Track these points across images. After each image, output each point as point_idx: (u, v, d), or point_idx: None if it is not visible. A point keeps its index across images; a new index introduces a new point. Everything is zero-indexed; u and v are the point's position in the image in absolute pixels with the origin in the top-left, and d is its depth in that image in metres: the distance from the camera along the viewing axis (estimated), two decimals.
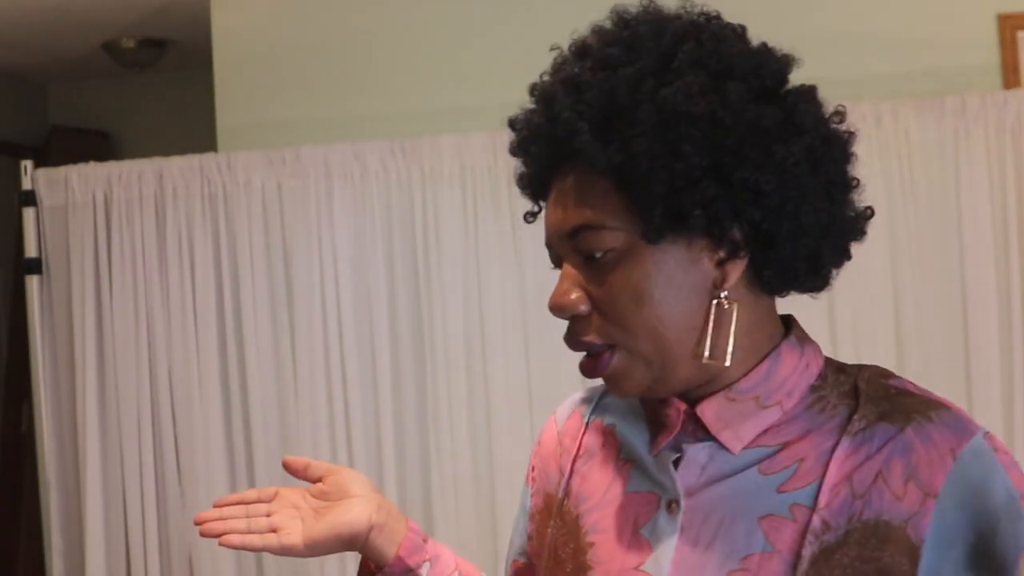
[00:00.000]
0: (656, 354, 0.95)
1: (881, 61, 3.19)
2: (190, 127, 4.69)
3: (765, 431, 0.97)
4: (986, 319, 2.81)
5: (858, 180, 1.00)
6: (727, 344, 0.95)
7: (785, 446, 0.96)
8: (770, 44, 1.00)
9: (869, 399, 0.96)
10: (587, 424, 1.12)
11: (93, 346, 3.04)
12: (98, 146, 5.39)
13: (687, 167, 0.90)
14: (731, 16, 1.00)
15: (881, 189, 2.85)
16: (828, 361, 1.02)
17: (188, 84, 5.03)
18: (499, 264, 2.92)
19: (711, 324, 0.95)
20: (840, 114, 1.00)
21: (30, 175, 3.10)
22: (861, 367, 1.01)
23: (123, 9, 4.19)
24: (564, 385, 2.88)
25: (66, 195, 3.07)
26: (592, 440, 1.10)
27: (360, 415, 2.96)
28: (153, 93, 5.43)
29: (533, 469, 1.16)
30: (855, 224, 1.00)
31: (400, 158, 2.97)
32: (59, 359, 3.10)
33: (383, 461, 2.95)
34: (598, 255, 0.95)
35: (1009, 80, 3.15)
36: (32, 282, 3.09)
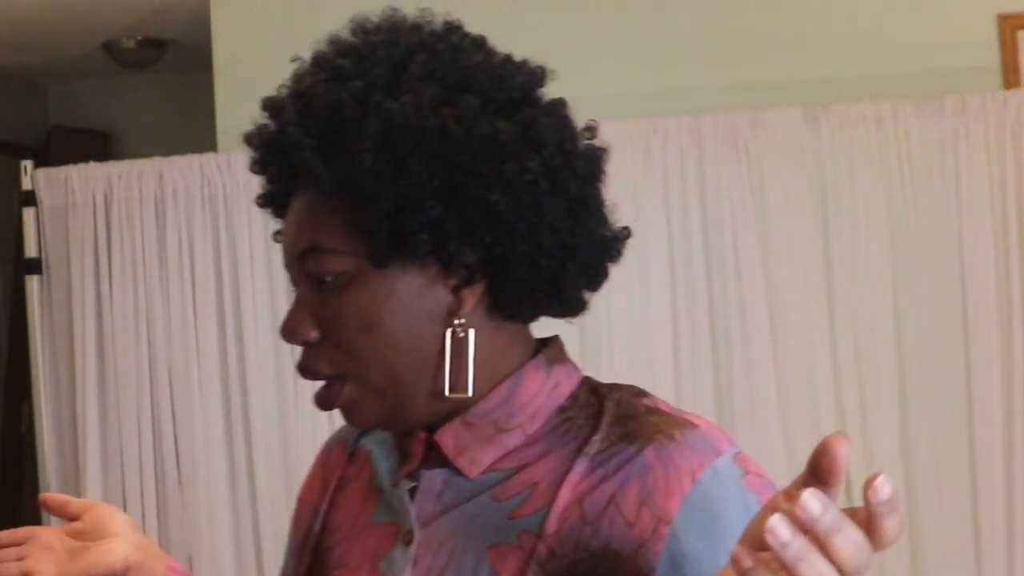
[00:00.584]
0: (389, 385, 0.90)
1: (881, 61, 3.19)
2: (190, 127, 4.69)
3: (505, 455, 0.91)
4: (986, 319, 2.81)
5: (603, 200, 0.94)
6: (467, 374, 0.89)
7: (521, 470, 0.91)
8: (517, 56, 0.95)
9: (615, 419, 0.90)
10: (351, 451, 1.06)
11: (93, 346, 3.04)
12: (98, 146, 5.39)
13: (413, 186, 0.85)
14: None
15: (881, 189, 2.85)
16: (585, 381, 0.96)
17: (188, 84, 5.03)
18: None
19: (448, 355, 0.89)
20: (591, 129, 0.95)
21: (30, 175, 3.10)
22: (616, 387, 0.95)
23: (123, 9, 4.19)
24: None
25: (66, 195, 3.07)
26: (352, 468, 1.05)
27: None
28: (153, 93, 5.44)
29: (299, 504, 1.10)
30: (609, 244, 0.94)
31: None
32: (59, 359, 3.10)
33: None
34: (328, 279, 0.89)
35: (1009, 80, 3.15)
36: (32, 282, 3.09)
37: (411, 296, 0.89)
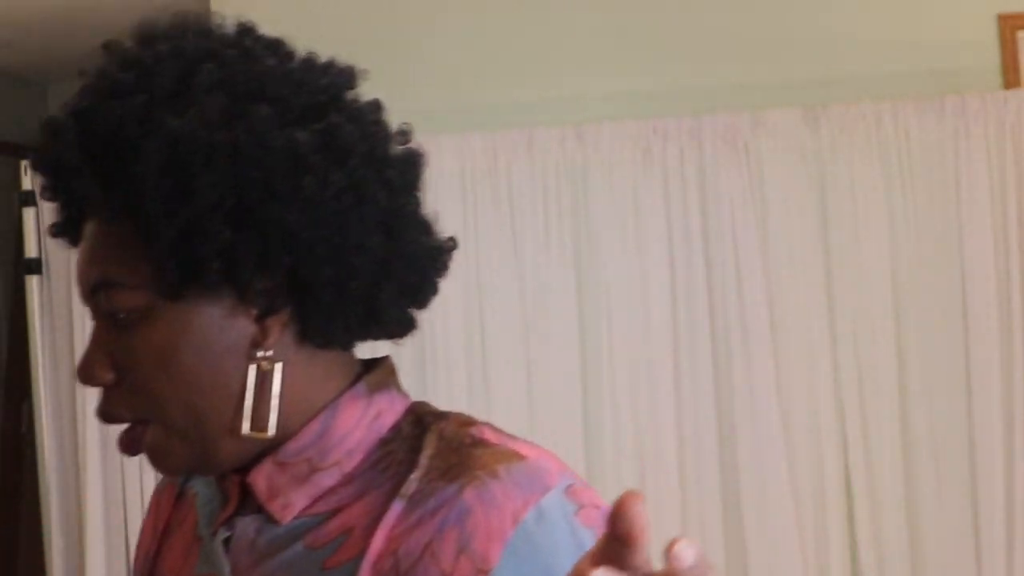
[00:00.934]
0: (194, 429, 0.83)
1: (881, 61, 3.19)
2: None
3: (320, 497, 0.84)
4: (986, 319, 2.82)
5: (417, 208, 0.87)
6: (269, 412, 0.82)
7: (337, 513, 0.83)
8: (330, 57, 0.88)
9: (436, 453, 0.82)
10: (179, 493, 0.98)
11: None
12: None
13: (200, 209, 0.78)
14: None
15: (881, 189, 2.86)
16: (412, 410, 0.88)
17: None
18: (499, 263, 2.92)
19: (249, 391, 0.82)
20: (405, 133, 0.88)
21: (30, 175, 3.10)
22: (443, 416, 0.87)
23: (123, 9, 4.19)
24: (563, 385, 2.88)
25: None
26: (179, 512, 0.97)
27: None
28: None
29: (137, 549, 1.03)
30: (431, 257, 0.87)
31: None
32: (59, 359, 3.10)
33: None
34: (121, 315, 0.82)
35: (1009, 80, 3.15)
36: (32, 282, 3.09)
37: (210, 330, 0.81)
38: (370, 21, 3.40)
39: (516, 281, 2.92)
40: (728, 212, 2.87)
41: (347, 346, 0.87)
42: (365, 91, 0.85)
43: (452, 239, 0.90)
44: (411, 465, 0.82)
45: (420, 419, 0.87)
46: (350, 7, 3.40)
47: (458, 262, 3.27)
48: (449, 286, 3.23)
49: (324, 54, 0.90)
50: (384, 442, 0.85)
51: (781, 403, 2.84)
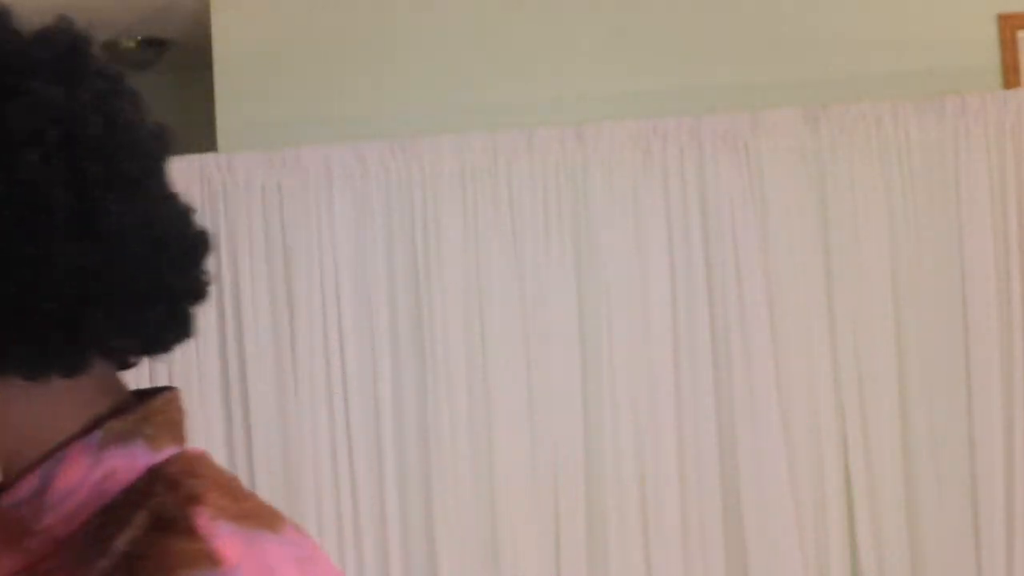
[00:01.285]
0: None
1: (881, 61, 3.19)
2: (190, 127, 4.68)
3: (29, 565, 0.72)
4: (986, 319, 2.82)
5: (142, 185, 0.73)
6: None
7: None
8: (44, 27, 0.76)
9: (140, 537, 0.69)
10: None
11: None
12: None
13: None
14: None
15: (881, 189, 2.86)
16: (155, 469, 0.73)
17: (188, 84, 5.03)
18: (499, 264, 2.92)
19: None
20: (118, 91, 0.74)
21: None
22: (176, 484, 0.72)
23: (123, 9, 4.19)
24: (563, 386, 2.88)
25: None
26: None
27: (360, 415, 2.96)
28: (153, 93, 5.40)
29: None
30: (169, 257, 0.74)
31: (400, 158, 2.97)
32: None
33: (383, 462, 2.95)
34: None
35: (1009, 80, 3.15)
36: None
37: None
38: (369, 21, 3.40)
39: (516, 281, 2.92)
40: (728, 212, 2.87)
41: (68, 375, 0.71)
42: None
43: (203, 231, 0.77)
44: (108, 546, 0.69)
45: (150, 487, 0.72)
46: (349, 7, 3.40)
47: (458, 259, 3.28)
48: (449, 283, 3.23)
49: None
50: (107, 510, 0.71)
51: (781, 403, 2.84)
